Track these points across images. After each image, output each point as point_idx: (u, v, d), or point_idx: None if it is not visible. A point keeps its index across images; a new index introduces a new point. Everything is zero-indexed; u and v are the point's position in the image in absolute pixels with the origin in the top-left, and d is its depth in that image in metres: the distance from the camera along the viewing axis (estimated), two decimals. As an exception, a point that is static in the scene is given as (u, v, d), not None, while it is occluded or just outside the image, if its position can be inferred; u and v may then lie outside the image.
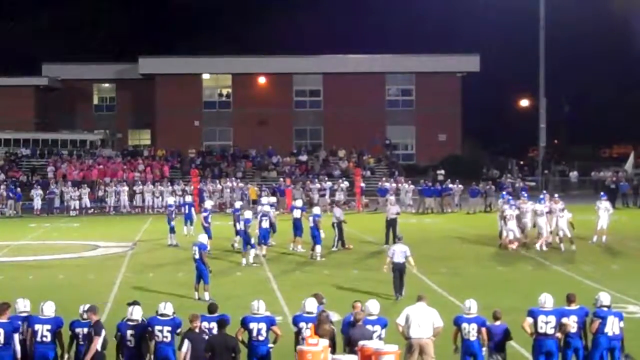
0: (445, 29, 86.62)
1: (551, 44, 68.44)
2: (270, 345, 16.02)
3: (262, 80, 76.03)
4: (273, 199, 39.76)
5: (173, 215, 36.97)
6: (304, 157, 67.50)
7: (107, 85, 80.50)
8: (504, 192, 41.91)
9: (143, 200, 55.24)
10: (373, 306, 16.41)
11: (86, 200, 54.99)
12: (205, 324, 15.83)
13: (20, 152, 67.52)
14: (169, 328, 15.76)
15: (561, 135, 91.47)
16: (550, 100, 70.26)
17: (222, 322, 15.39)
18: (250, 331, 15.87)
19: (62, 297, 22.31)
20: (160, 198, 54.57)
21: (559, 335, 16.03)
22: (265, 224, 32.95)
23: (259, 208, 35.14)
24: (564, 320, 16.06)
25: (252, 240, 31.43)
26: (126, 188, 56.13)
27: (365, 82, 74.03)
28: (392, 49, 76.37)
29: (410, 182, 55.80)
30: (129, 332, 15.84)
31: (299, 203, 37.16)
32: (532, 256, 32.72)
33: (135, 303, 16.35)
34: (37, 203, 54.64)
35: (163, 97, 74.41)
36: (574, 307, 16.34)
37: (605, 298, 16.53)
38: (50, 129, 72.39)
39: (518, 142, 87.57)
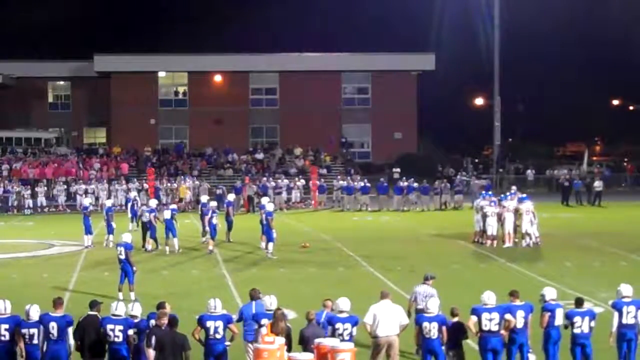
0: (401, 28, 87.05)
1: (506, 43, 69.05)
2: (227, 343, 16.04)
3: (218, 78, 75.82)
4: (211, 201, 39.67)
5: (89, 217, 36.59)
6: (260, 155, 67.44)
7: (62, 83, 79.67)
8: (485, 192, 41.19)
9: (97, 199, 54.81)
10: (343, 303, 16.12)
11: (42, 199, 54.63)
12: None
13: (-26, 150, 66.85)
14: (121, 327, 15.70)
15: (516, 133, 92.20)
16: (504, 99, 70.85)
17: (173, 320, 15.32)
18: (207, 329, 15.86)
19: (16, 296, 22.14)
20: (116, 197, 54.56)
21: (503, 332, 16.21)
22: (215, 220, 34.41)
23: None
24: (508, 316, 16.24)
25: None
26: (82, 186, 55.76)
27: (321, 80, 74.11)
28: (348, 47, 76.61)
29: (366, 180, 55.94)
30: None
31: (264, 201, 36.92)
32: (487, 253, 33.01)
33: (95, 303, 16.41)
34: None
35: (119, 95, 73.85)
36: (519, 302, 16.55)
37: (551, 292, 16.79)
38: (4, 126, 71.61)
39: (473, 140, 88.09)
